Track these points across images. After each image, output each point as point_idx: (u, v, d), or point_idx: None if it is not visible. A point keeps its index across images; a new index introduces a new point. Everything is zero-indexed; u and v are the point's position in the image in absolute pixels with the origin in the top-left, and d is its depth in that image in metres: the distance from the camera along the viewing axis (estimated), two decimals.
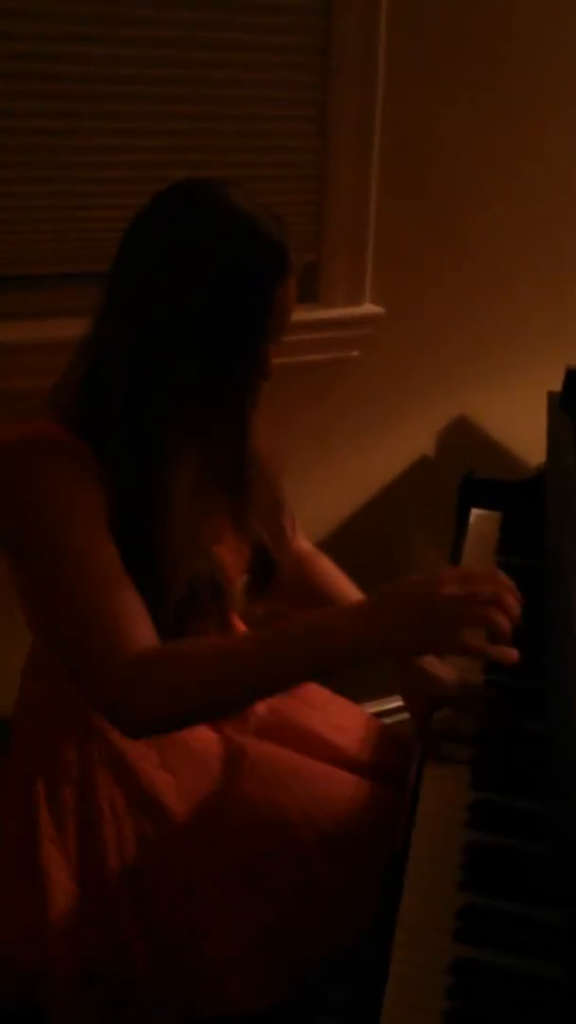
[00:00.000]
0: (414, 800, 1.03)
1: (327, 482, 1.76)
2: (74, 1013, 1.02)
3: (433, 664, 1.15)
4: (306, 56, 1.43)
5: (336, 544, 1.80)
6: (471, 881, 0.92)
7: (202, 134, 1.41)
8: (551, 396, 1.59)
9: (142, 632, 0.86)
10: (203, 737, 1.14)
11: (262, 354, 0.94)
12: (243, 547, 1.12)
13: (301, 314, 1.55)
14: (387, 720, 1.55)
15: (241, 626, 1.25)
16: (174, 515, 0.96)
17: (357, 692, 1.40)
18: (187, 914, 1.05)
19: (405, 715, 1.23)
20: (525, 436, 1.69)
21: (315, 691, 1.29)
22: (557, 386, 1.60)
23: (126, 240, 0.93)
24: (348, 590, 1.24)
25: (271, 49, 1.41)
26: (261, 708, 1.22)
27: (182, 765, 1.11)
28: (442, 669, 1.15)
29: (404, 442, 1.80)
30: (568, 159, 1.72)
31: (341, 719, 1.28)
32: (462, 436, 1.84)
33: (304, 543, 1.29)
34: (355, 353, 1.65)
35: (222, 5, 1.34)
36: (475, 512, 1.60)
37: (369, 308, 1.62)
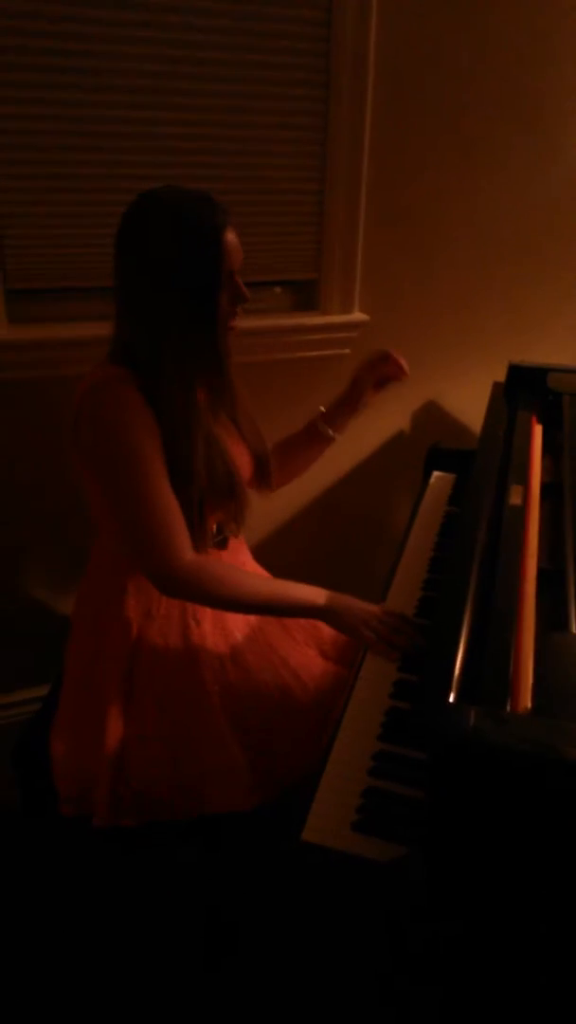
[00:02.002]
0: (356, 676, 1.07)
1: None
2: (112, 811, 1.06)
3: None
4: (310, 120, 1.44)
5: (328, 500, 1.82)
6: (387, 734, 0.96)
7: (228, 192, 1.41)
8: (496, 385, 1.59)
9: (187, 542, 1.04)
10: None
11: (228, 284, 1.02)
12: (246, 452, 1.20)
13: (304, 319, 1.61)
14: None
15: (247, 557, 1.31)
16: (198, 424, 1.04)
17: None
18: (205, 740, 1.09)
19: None
20: (480, 415, 1.70)
21: None
22: (504, 378, 1.60)
23: (118, 244, 1.02)
24: (297, 434, 1.36)
25: (279, 125, 1.42)
26: None
27: (209, 626, 1.16)
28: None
29: (385, 421, 1.80)
30: (520, 200, 1.69)
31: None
32: (431, 416, 1.83)
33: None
34: (347, 351, 1.66)
35: (239, 80, 1.35)
36: (436, 474, 1.61)
37: (358, 316, 1.63)
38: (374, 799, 0.87)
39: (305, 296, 1.62)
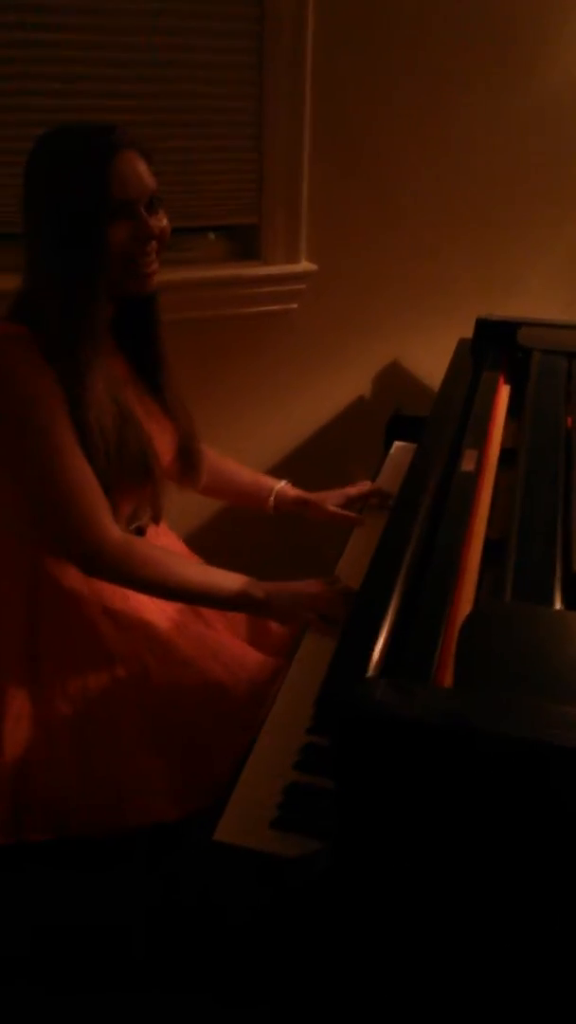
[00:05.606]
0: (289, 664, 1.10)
1: (271, 420, 1.80)
2: (14, 824, 1.07)
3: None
4: (244, 43, 1.46)
5: (278, 474, 1.82)
6: (317, 728, 0.98)
7: (150, 124, 1.45)
8: (462, 342, 1.63)
9: (110, 517, 1.08)
10: (141, 596, 1.19)
11: (122, 214, 1.02)
12: (169, 433, 1.21)
13: (244, 270, 1.63)
14: None
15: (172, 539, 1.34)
16: (100, 387, 1.06)
17: None
18: (118, 743, 1.11)
19: None
20: None
21: None
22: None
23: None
24: (249, 475, 1.43)
25: (210, 49, 1.45)
26: None
27: (123, 616, 1.17)
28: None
29: (342, 384, 1.83)
30: (490, 137, 1.72)
31: None
32: (394, 379, 1.86)
33: (209, 451, 1.37)
34: (294, 306, 1.69)
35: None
36: (397, 444, 1.64)
37: (305, 265, 1.66)
38: (297, 795, 0.90)
39: (244, 244, 1.64)
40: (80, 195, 0.99)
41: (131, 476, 1.11)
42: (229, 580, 1.14)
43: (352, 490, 1.44)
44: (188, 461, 1.27)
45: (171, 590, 1.13)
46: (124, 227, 1.02)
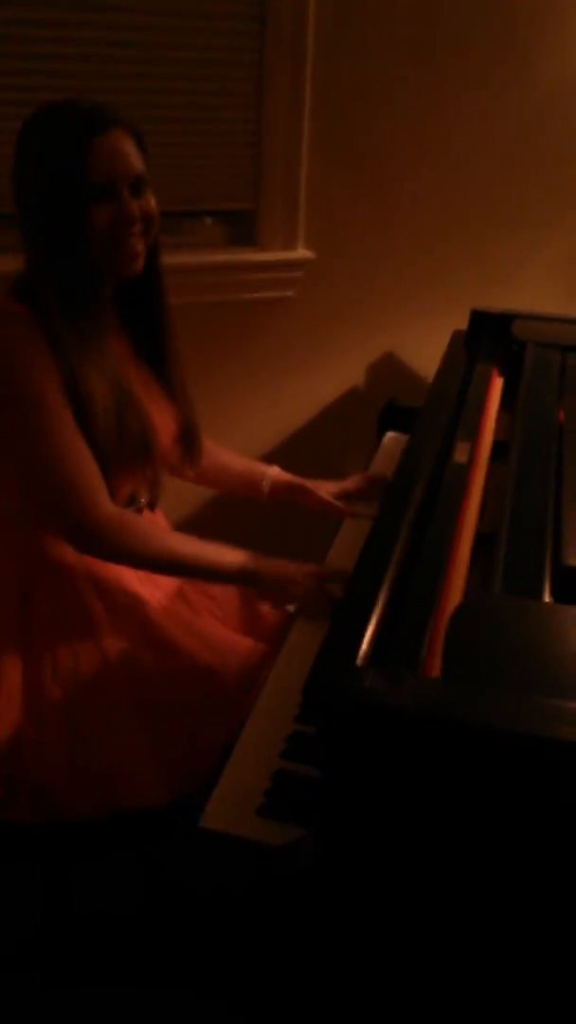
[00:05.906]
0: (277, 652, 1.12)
1: (265, 407, 1.80)
2: (4, 803, 1.07)
3: None
4: (244, 28, 1.46)
5: (270, 459, 1.84)
6: (305, 716, 0.98)
7: (148, 106, 1.44)
8: (456, 333, 1.62)
9: (106, 493, 1.08)
10: (133, 581, 1.20)
11: (104, 196, 1.00)
12: (170, 415, 1.21)
13: (240, 256, 1.63)
14: None
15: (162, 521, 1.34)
16: (98, 366, 1.06)
17: None
18: (106, 728, 1.11)
19: None
20: None
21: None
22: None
23: None
24: (242, 462, 1.43)
25: (212, 32, 1.44)
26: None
27: (115, 598, 1.17)
28: None
29: (336, 374, 1.83)
30: (492, 130, 1.72)
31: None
32: (389, 369, 1.86)
33: (205, 440, 1.36)
34: (290, 293, 1.68)
35: None
36: (390, 435, 1.63)
37: (302, 253, 1.65)
38: (284, 783, 0.90)
39: (241, 229, 1.64)
40: (61, 175, 0.98)
41: (130, 455, 1.12)
42: (224, 553, 1.15)
43: (351, 485, 1.43)
44: (188, 445, 1.26)
45: (166, 564, 1.13)
46: (107, 209, 1.01)
